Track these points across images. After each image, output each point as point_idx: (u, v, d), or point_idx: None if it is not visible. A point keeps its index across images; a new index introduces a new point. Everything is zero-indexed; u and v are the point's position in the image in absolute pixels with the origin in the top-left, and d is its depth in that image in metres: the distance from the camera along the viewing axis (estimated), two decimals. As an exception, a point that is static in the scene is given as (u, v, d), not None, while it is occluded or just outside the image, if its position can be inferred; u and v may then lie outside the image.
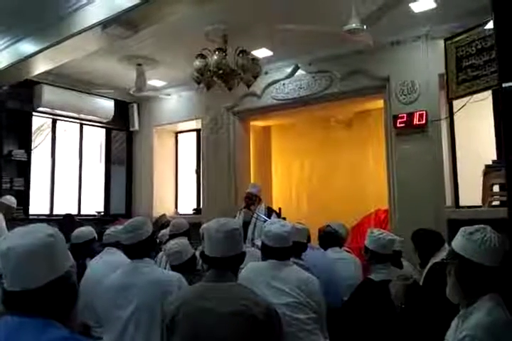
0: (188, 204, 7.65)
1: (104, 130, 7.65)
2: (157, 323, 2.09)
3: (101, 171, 7.59)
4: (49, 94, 6.41)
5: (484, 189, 4.63)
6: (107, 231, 3.41)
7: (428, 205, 4.91)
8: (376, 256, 2.74)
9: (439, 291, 1.73)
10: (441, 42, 4.56)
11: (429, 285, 2.90)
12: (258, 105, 6.44)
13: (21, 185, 6.28)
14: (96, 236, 3.65)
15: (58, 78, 6.43)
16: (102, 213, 7.40)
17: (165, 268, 3.30)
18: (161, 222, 6.66)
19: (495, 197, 4.57)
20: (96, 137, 7.62)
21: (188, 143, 7.89)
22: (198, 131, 7.52)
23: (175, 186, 7.92)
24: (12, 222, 4.99)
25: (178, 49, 5.49)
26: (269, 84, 6.27)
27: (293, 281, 2.30)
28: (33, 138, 6.60)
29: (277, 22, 4.62)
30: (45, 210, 6.77)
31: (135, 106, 7.65)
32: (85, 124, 7.37)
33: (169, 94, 7.17)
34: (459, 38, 4.26)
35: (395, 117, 5.24)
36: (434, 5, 4.54)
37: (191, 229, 4.13)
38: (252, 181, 6.64)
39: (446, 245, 3.22)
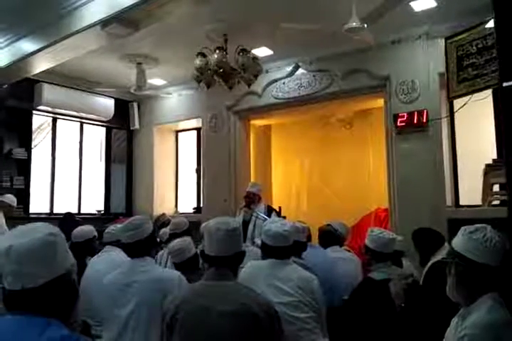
0: (188, 203, 7.66)
1: (104, 128, 7.65)
2: (157, 322, 2.09)
3: (101, 170, 7.59)
4: (49, 92, 6.41)
5: (484, 188, 4.63)
6: (107, 230, 3.41)
7: (428, 204, 4.91)
8: (376, 255, 2.74)
9: (439, 290, 1.73)
10: (442, 41, 4.55)
11: (429, 284, 2.91)
12: (258, 104, 6.43)
13: (21, 183, 6.28)
14: (96, 235, 3.65)
15: (58, 77, 6.43)
16: (103, 212, 7.41)
17: (165, 267, 3.31)
18: (162, 221, 6.66)
19: (495, 196, 4.57)
20: (96, 136, 7.62)
21: (189, 142, 7.89)
22: (198, 129, 7.52)
23: (175, 185, 7.92)
24: (12, 221, 4.99)
25: (178, 48, 5.49)
26: (270, 83, 6.27)
27: (293, 280, 2.31)
28: (33, 136, 6.60)
29: (278, 21, 4.62)
30: (46, 209, 6.77)
31: (135, 104, 7.65)
32: (85, 123, 7.37)
33: (170, 93, 7.17)
34: (459, 37, 4.25)
35: (396, 116, 5.24)
36: (434, 4, 4.54)
37: (191, 227, 4.14)
38: (252, 180, 6.63)
39: (446, 244, 3.22)
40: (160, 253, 3.69)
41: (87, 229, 3.65)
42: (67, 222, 5.82)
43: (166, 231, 4.31)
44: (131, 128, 7.72)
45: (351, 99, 6.02)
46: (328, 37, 4.93)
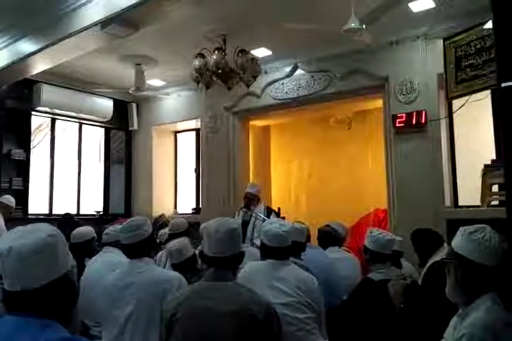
0: (187, 204, 7.65)
1: (103, 129, 7.65)
2: (156, 322, 2.09)
3: (100, 171, 7.59)
4: (48, 93, 6.41)
5: (483, 189, 4.63)
6: (106, 231, 3.41)
7: (427, 205, 4.91)
8: (375, 255, 2.74)
9: (438, 291, 1.73)
10: (440, 42, 4.56)
11: (428, 284, 2.91)
12: (257, 105, 6.43)
13: (20, 184, 6.27)
14: (95, 236, 3.65)
15: (57, 77, 6.42)
16: (101, 213, 7.40)
17: (164, 268, 3.31)
18: (160, 222, 6.66)
19: (494, 196, 4.57)
20: (95, 136, 7.62)
21: (188, 143, 7.88)
22: (197, 130, 7.52)
23: (174, 186, 7.92)
24: (11, 222, 4.99)
25: (177, 48, 5.49)
26: (269, 84, 6.27)
27: (292, 281, 2.30)
28: (32, 137, 6.60)
29: (277, 21, 4.63)
30: (44, 210, 6.76)
31: (134, 105, 7.65)
32: (84, 124, 7.36)
33: (168, 94, 7.17)
34: (458, 38, 4.26)
35: (394, 117, 5.24)
36: (433, 5, 4.54)
37: (190, 228, 4.14)
38: (251, 181, 6.64)
39: (445, 245, 3.22)
40: (159, 254, 3.69)
41: (86, 230, 3.64)
42: (66, 222, 5.82)
43: (165, 232, 4.31)
44: (130, 129, 7.71)
45: (350, 99, 6.02)
46: (327, 37, 4.94)
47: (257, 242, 3.69)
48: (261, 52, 5.67)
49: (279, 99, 6.24)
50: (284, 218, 4.85)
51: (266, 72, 6.09)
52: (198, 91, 6.36)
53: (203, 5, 4.21)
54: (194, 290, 1.91)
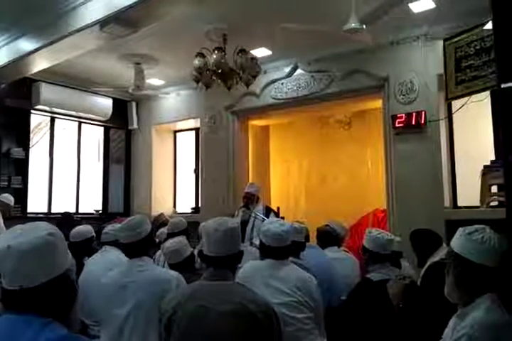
0: (186, 203, 7.65)
1: (102, 128, 7.64)
2: (155, 322, 2.08)
3: (99, 170, 7.58)
4: (47, 92, 6.40)
5: (482, 189, 4.64)
6: (105, 230, 3.40)
7: (426, 205, 4.92)
8: (374, 255, 2.74)
9: (437, 291, 1.73)
10: (440, 43, 4.56)
11: (427, 284, 2.90)
12: (257, 104, 6.44)
13: (19, 183, 6.27)
14: (94, 235, 3.65)
15: (57, 76, 6.41)
16: (100, 211, 7.40)
17: (163, 267, 3.30)
18: (160, 221, 6.66)
19: (493, 197, 4.57)
20: (94, 135, 7.62)
21: (187, 142, 7.88)
22: (196, 130, 7.52)
23: (173, 185, 7.92)
24: (10, 221, 4.98)
25: (177, 48, 5.48)
26: (268, 84, 6.27)
27: (291, 281, 2.31)
28: (31, 136, 6.60)
29: (277, 21, 4.63)
30: (43, 208, 6.76)
31: (134, 104, 7.65)
32: (84, 122, 7.36)
33: (168, 93, 7.17)
34: (458, 39, 4.26)
35: (394, 117, 5.24)
36: (433, 5, 4.55)
37: (189, 228, 4.14)
38: (250, 180, 6.63)
39: (444, 245, 3.22)
40: (158, 253, 3.69)
41: (85, 229, 3.64)
42: (65, 221, 5.81)
43: (164, 231, 4.31)
44: (130, 128, 7.71)
45: (350, 99, 6.02)
46: (327, 37, 4.94)
47: (256, 242, 3.69)
48: (261, 52, 5.67)
49: (279, 99, 6.23)
50: (283, 218, 4.84)
51: (266, 72, 6.09)
52: (198, 91, 6.35)
53: (203, 4, 4.21)
54: (193, 289, 1.90)
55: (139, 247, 2.41)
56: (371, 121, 6.73)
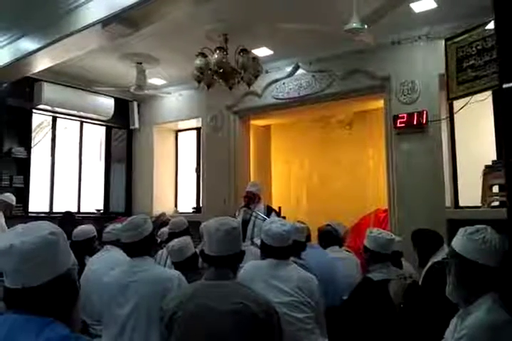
0: (187, 203, 7.66)
1: (104, 128, 7.65)
2: (156, 321, 2.09)
3: (101, 169, 7.59)
4: (49, 91, 6.41)
5: (484, 189, 4.63)
6: (107, 229, 3.41)
7: (427, 205, 4.91)
8: (375, 255, 2.74)
9: (438, 291, 1.74)
10: (442, 42, 4.56)
11: (428, 284, 2.91)
12: (258, 104, 6.44)
13: (21, 182, 6.28)
14: (96, 235, 3.65)
15: (59, 76, 6.43)
16: (102, 211, 7.41)
17: (165, 266, 3.31)
18: (161, 221, 6.64)
19: (494, 197, 4.57)
20: (96, 135, 7.62)
21: (188, 142, 7.89)
22: (198, 129, 7.53)
23: (175, 184, 7.92)
24: (12, 220, 4.99)
25: (178, 47, 5.48)
26: (270, 83, 6.27)
27: (292, 280, 2.31)
28: (33, 135, 6.60)
29: (278, 21, 4.62)
30: (45, 208, 6.77)
31: (135, 104, 7.65)
32: (85, 122, 7.37)
33: (169, 93, 7.17)
34: (459, 39, 4.26)
35: (395, 117, 5.24)
36: (434, 5, 4.54)
37: (191, 227, 4.14)
38: (251, 180, 6.63)
39: (445, 245, 3.22)
40: (159, 252, 3.69)
41: (87, 229, 3.65)
42: (67, 221, 5.82)
43: (165, 230, 4.31)
44: (131, 127, 7.72)
45: (351, 99, 6.02)
46: (329, 37, 4.94)
47: (258, 241, 3.69)
48: (262, 52, 5.67)
49: (280, 99, 6.24)
50: (284, 217, 4.84)
51: (267, 72, 6.09)
52: (199, 91, 6.35)
53: (204, 4, 4.20)
54: (195, 289, 1.91)
55: (141, 247, 2.42)
56: (372, 121, 6.74)
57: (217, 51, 4.83)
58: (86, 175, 7.34)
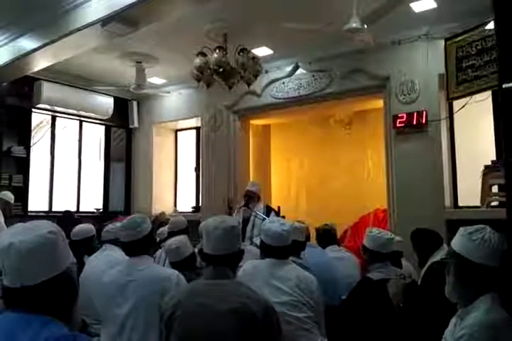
0: (187, 202, 7.65)
1: (103, 127, 7.65)
2: (155, 320, 2.09)
3: (100, 168, 7.59)
4: (48, 90, 6.40)
5: (483, 189, 4.63)
6: (106, 229, 3.41)
7: (427, 205, 4.91)
8: (374, 255, 2.75)
9: (438, 290, 1.74)
10: (442, 42, 4.56)
11: (428, 284, 2.91)
12: (258, 104, 6.43)
13: (20, 181, 6.27)
14: (95, 234, 3.65)
15: (58, 75, 6.42)
16: (101, 210, 7.40)
17: (164, 266, 3.31)
18: (160, 220, 6.66)
19: (494, 197, 4.57)
20: (95, 134, 7.62)
21: (188, 141, 7.89)
22: (197, 129, 7.52)
23: (174, 184, 7.92)
24: (11, 219, 4.99)
25: (178, 47, 5.48)
26: (269, 83, 6.27)
27: (292, 280, 2.31)
28: (32, 134, 6.59)
29: (278, 20, 4.62)
30: (44, 207, 6.76)
31: (135, 103, 7.65)
32: (85, 121, 7.36)
33: (169, 92, 7.17)
34: (459, 38, 4.26)
35: (395, 117, 5.24)
36: (434, 5, 4.54)
37: (190, 227, 4.14)
38: (251, 179, 6.63)
39: (444, 245, 3.22)
40: (158, 252, 3.69)
41: (86, 228, 3.64)
42: (66, 220, 5.82)
43: (164, 230, 4.31)
44: (131, 126, 7.71)
45: (351, 99, 6.02)
46: (328, 37, 4.93)
47: (257, 241, 3.69)
48: (262, 51, 5.66)
49: (280, 99, 6.23)
50: (283, 217, 4.84)
51: (267, 71, 6.09)
52: (199, 90, 6.35)
53: (204, 3, 4.20)
54: (193, 288, 1.91)
55: (139, 246, 2.42)
56: (372, 120, 6.73)
57: (217, 50, 4.82)
58: (85, 174, 7.34)
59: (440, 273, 1.70)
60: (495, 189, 4.61)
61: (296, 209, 7.39)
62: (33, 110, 6.55)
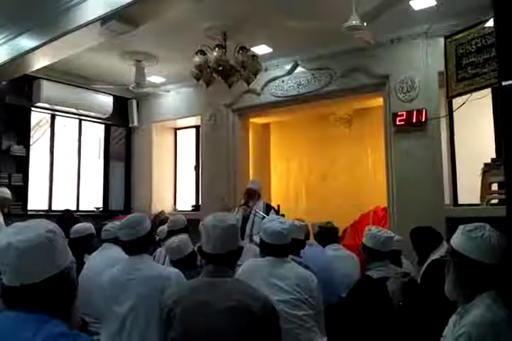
0: (186, 201, 7.65)
1: (103, 126, 7.64)
2: (155, 318, 2.09)
3: (100, 167, 7.58)
4: (48, 89, 6.39)
5: (483, 187, 4.63)
6: (106, 227, 3.41)
7: (427, 203, 4.91)
8: (374, 253, 2.74)
9: (437, 288, 1.74)
10: (441, 40, 4.54)
11: (427, 282, 2.91)
12: (257, 102, 6.43)
13: (20, 180, 6.26)
14: (94, 232, 3.65)
15: (57, 73, 6.41)
16: (101, 209, 7.40)
17: (163, 264, 3.31)
18: (160, 219, 6.66)
19: (493, 195, 4.58)
20: (95, 133, 7.61)
21: (187, 140, 7.88)
22: (197, 127, 7.52)
23: (174, 182, 7.92)
24: (10, 218, 4.98)
25: (177, 45, 5.47)
26: (269, 81, 6.26)
27: (291, 278, 2.31)
28: (31, 133, 6.59)
29: (277, 19, 4.62)
30: (44, 206, 6.76)
31: (134, 102, 7.64)
32: (84, 120, 7.35)
33: (168, 91, 7.16)
34: (458, 36, 4.25)
35: (395, 115, 5.24)
36: (434, 2, 4.53)
37: (190, 225, 4.14)
38: (251, 178, 6.63)
39: (444, 243, 3.22)
40: (158, 250, 3.69)
41: (86, 227, 3.64)
42: (66, 219, 5.82)
43: (164, 228, 4.31)
44: (130, 125, 7.71)
45: (350, 97, 6.02)
46: (328, 35, 4.93)
47: (256, 239, 3.69)
48: (261, 50, 5.66)
49: (279, 97, 6.23)
50: (283, 215, 4.84)
51: (266, 70, 6.09)
52: (199, 88, 6.35)
53: (203, 2, 4.19)
54: (192, 286, 1.91)
55: (139, 245, 2.42)
56: (372, 119, 6.73)
57: (216, 49, 4.82)
58: (85, 173, 7.33)
59: (440, 271, 1.70)
60: (494, 187, 4.61)
61: (295, 207, 7.40)
62: (33, 109, 6.54)
